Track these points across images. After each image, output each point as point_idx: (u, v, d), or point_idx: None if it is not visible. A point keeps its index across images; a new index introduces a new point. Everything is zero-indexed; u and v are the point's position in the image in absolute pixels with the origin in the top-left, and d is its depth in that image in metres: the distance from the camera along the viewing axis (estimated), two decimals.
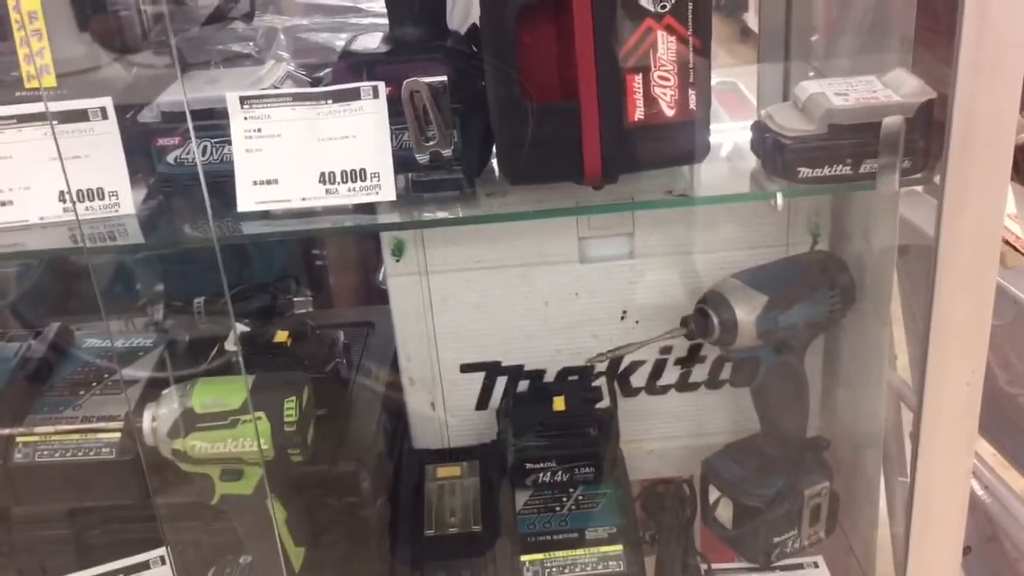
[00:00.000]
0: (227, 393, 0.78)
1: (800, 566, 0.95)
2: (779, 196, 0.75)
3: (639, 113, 0.72)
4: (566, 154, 0.72)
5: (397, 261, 0.95)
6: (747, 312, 0.84)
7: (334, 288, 1.35)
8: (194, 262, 1.13)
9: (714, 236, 0.95)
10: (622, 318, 0.98)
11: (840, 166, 0.74)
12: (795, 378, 0.91)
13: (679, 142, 0.72)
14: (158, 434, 0.77)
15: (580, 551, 0.89)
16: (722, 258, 0.95)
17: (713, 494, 0.95)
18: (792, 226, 0.94)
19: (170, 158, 0.79)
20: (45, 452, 0.87)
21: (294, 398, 0.78)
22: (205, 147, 0.78)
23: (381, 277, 1.43)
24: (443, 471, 0.99)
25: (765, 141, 0.74)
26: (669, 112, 0.72)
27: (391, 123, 0.75)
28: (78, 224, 0.75)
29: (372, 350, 1.08)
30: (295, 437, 0.78)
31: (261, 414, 0.77)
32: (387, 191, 0.76)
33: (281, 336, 0.99)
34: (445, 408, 1.02)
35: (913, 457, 0.80)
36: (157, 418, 0.77)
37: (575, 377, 1.00)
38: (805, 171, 0.72)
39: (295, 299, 1.09)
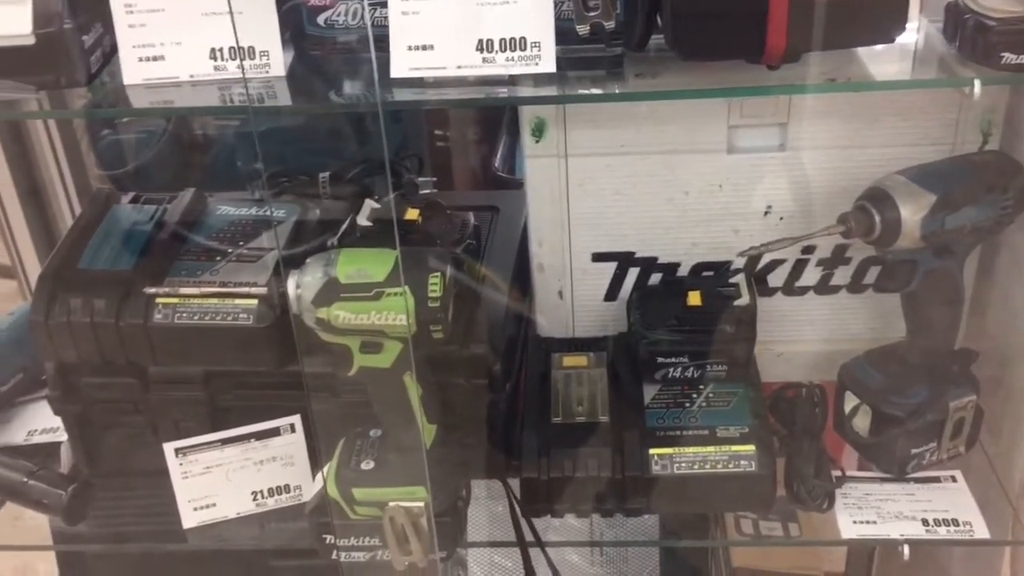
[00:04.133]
0: (372, 265, 0.76)
1: (936, 479, 0.91)
2: (976, 84, 0.70)
3: None
4: (747, 26, 0.67)
5: (536, 142, 0.92)
6: (912, 212, 0.80)
7: (454, 171, 1.33)
8: (315, 136, 1.12)
9: (873, 131, 0.89)
10: (766, 213, 0.94)
11: None
12: (952, 285, 0.86)
13: (875, 18, 0.66)
14: (302, 301, 0.77)
15: (710, 448, 0.87)
16: (880, 155, 0.89)
17: (850, 401, 0.92)
18: (961, 124, 0.88)
19: (320, 19, 0.77)
20: (184, 315, 0.88)
21: (439, 274, 0.77)
22: (357, 9, 0.76)
23: (497, 163, 1.41)
24: (570, 360, 0.98)
25: (964, 23, 0.68)
26: None
27: None
28: (244, 82, 0.73)
29: (498, 234, 1.06)
30: (438, 313, 0.76)
31: (405, 288, 0.76)
32: (547, 62, 0.72)
33: (412, 214, 0.98)
34: (573, 297, 1.00)
35: None
36: (302, 285, 0.77)
37: (710, 273, 0.97)
38: (1009, 57, 0.66)
39: (419, 179, 1.07)
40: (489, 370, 0.89)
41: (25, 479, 0.90)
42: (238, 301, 0.88)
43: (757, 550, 1.10)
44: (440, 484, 0.84)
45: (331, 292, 0.76)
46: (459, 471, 0.88)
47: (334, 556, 0.87)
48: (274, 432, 0.92)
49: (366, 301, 0.76)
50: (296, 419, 0.92)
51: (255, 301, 0.88)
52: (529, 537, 0.91)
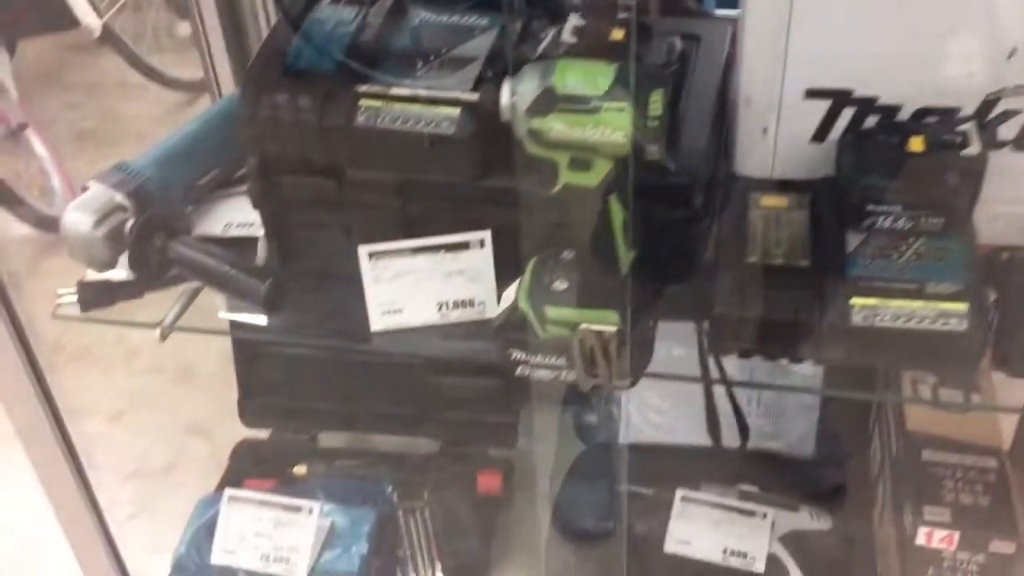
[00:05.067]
0: (591, 76, 0.73)
1: None
2: None
3: None
4: None
5: None
6: None
7: None
8: None
9: None
10: (1009, 57, 0.86)
11: None
12: None
13: None
14: (516, 109, 0.75)
15: (918, 303, 0.83)
16: None
17: None
18: None
19: None
20: (386, 118, 0.87)
21: (660, 91, 0.73)
22: None
23: None
24: (769, 200, 0.93)
25: None
26: None
27: None
28: None
29: (700, 64, 1.00)
30: (656, 133, 0.73)
31: (625, 104, 0.72)
32: None
33: (617, 34, 0.93)
34: (778, 135, 0.95)
35: None
36: (517, 93, 0.74)
37: (933, 119, 0.90)
38: None
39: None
40: (690, 202, 0.86)
41: (227, 268, 0.93)
42: (441, 109, 0.86)
43: (935, 416, 1.06)
44: (632, 311, 0.83)
45: (547, 102, 0.73)
46: (652, 301, 0.86)
47: (519, 372, 0.88)
48: (464, 246, 0.92)
49: (583, 114, 0.73)
50: (486, 234, 0.91)
51: (458, 110, 0.86)
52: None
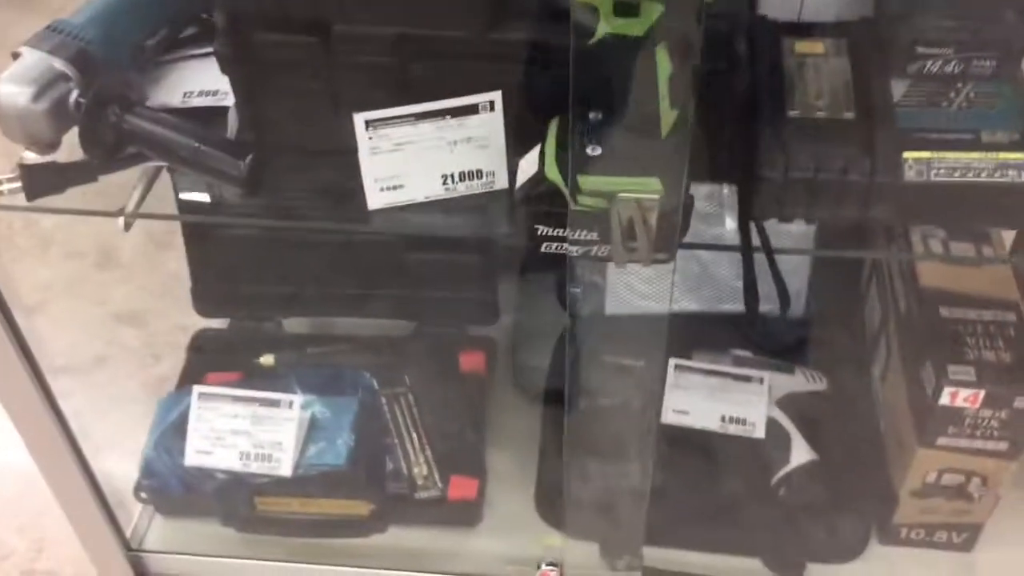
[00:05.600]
0: None
1: None
2: None
3: None
4: None
5: None
6: None
7: None
8: None
9: None
10: None
11: None
12: None
13: None
14: None
15: (975, 154, 0.77)
16: None
17: None
18: None
19: None
20: None
21: None
22: None
23: None
24: (803, 46, 0.85)
25: None
26: None
27: None
28: None
29: None
30: None
31: None
32: None
33: None
34: None
35: None
36: None
37: None
38: None
39: None
40: (732, 50, 0.77)
41: (197, 144, 0.80)
42: None
43: (948, 271, 1.03)
44: (673, 177, 0.75)
45: None
46: (690, 165, 0.78)
47: (544, 248, 0.80)
48: (472, 109, 0.81)
49: None
50: (497, 96, 0.81)
51: None
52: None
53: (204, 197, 0.97)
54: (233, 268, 1.22)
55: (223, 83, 0.86)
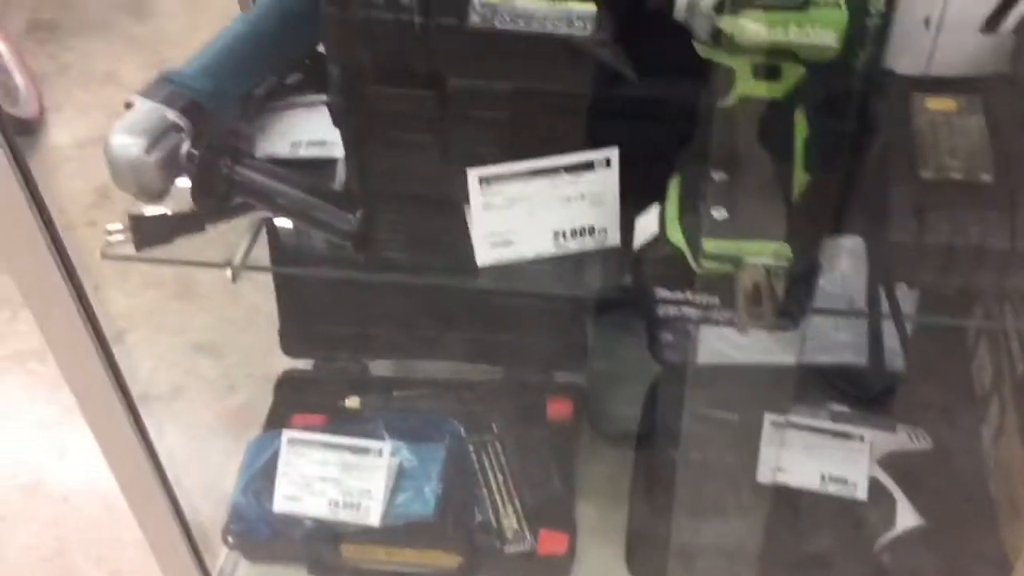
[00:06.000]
0: None
1: None
2: None
3: None
4: None
5: None
6: None
7: None
8: None
9: None
10: None
11: None
12: None
13: None
14: (698, 5, 0.61)
15: None
16: None
17: None
18: None
19: None
20: (506, 17, 0.73)
21: None
22: None
23: None
24: (935, 103, 0.81)
25: None
26: None
27: None
28: None
29: None
30: (870, 33, 0.61)
31: None
32: None
33: None
34: (941, 24, 0.82)
35: None
36: None
37: None
38: None
39: None
40: (866, 109, 0.74)
41: (308, 197, 0.79)
42: (573, 5, 0.72)
43: None
44: (803, 242, 0.72)
45: None
46: (821, 229, 0.75)
47: (661, 311, 0.77)
48: (588, 166, 0.79)
49: (788, 11, 0.60)
50: (614, 152, 0.79)
51: (594, 7, 0.72)
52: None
53: (304, 245, 0.96)
54: (322, 310, 1.21)
55: (330, 133, 0.85)
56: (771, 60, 0.63)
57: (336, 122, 0.81)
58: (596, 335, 1.31)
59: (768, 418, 1.14)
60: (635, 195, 0.80)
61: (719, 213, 0.72)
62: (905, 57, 0.85)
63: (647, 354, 1.21)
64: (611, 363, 1.33)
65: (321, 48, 0.94)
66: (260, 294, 1.36)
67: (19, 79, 2.00)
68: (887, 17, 0.61)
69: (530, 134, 0.80)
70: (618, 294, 0.87)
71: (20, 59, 2.02)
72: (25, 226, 0.78)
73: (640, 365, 1.31)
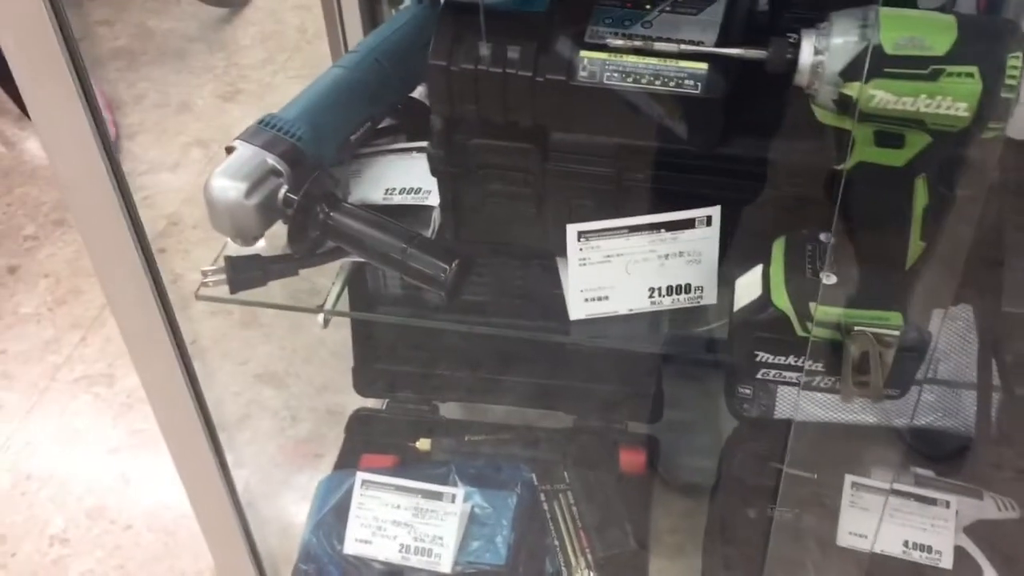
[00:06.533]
0: (928, 32, 0.58)
1: None
2: None
3: None
4: None
5: None
6: None
7: None
8: None
9: None
10: None
11: None
12: None
13: None
14: (823, 71, 0.60)
15: None
16: None
17: None
18: None
19: None
20: (615, 74, 0.72)
21: (1020, 55, 0.58)
22: None
23: None
24: None
25: None
26: None
27: None
28: None
29: None
30: (1010, 105, 0.59)
31: (974, 68, 0.58)
32: None
33: None
34: None
35: None
36: (827, 51, 0.59)
37: None
38: None
39: None
40: (973, 175, 0.72)
41: (405, 246, 0.79)
42: (684, 64, 0.71)
43: None
44: (916, 312, 0.70)
45: (872, 63, 0.59)
46: (934, 299, 0.73)
47: (759, 375, 0.75)
48: (688, 224, 0.78)
49: (918, 81, 0.58)
50: (715, 211, 0.77)
51: (706, 66, 0.71)
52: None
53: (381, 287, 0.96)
54: (396, 351, 1.21)
55: (425, 181, 0.85)
56: (896, 128, 0.61)
57: (435, 172, 0.81)
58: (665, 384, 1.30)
59: (849, 479, 1.11)
60: (732, 255, 0.79)
61: (828, 278, 0.70)
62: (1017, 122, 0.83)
63: (715, 404, 1.19)
64: (681, 412, 1.31)
65: (415, 94, 0.95)
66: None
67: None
68: (1021, 86, 0.59)
69: (630, 190, 0.79)
70: (703, 352, 0.85)
71: (97, 86, 2.06)
72: (125, 252, 0.79)
73: (710, 416, 1.29)
